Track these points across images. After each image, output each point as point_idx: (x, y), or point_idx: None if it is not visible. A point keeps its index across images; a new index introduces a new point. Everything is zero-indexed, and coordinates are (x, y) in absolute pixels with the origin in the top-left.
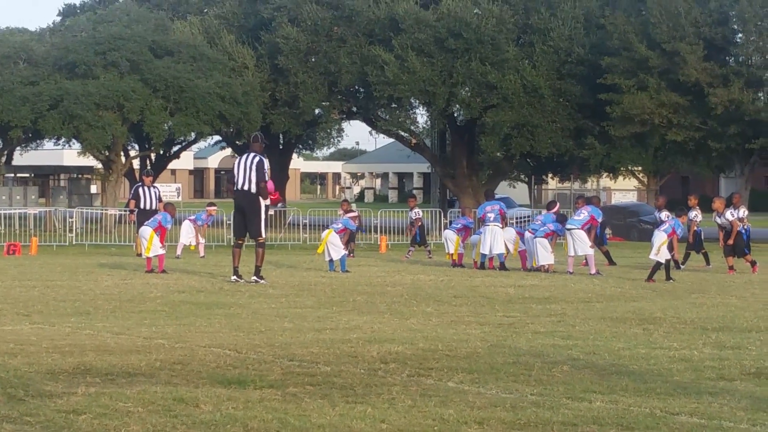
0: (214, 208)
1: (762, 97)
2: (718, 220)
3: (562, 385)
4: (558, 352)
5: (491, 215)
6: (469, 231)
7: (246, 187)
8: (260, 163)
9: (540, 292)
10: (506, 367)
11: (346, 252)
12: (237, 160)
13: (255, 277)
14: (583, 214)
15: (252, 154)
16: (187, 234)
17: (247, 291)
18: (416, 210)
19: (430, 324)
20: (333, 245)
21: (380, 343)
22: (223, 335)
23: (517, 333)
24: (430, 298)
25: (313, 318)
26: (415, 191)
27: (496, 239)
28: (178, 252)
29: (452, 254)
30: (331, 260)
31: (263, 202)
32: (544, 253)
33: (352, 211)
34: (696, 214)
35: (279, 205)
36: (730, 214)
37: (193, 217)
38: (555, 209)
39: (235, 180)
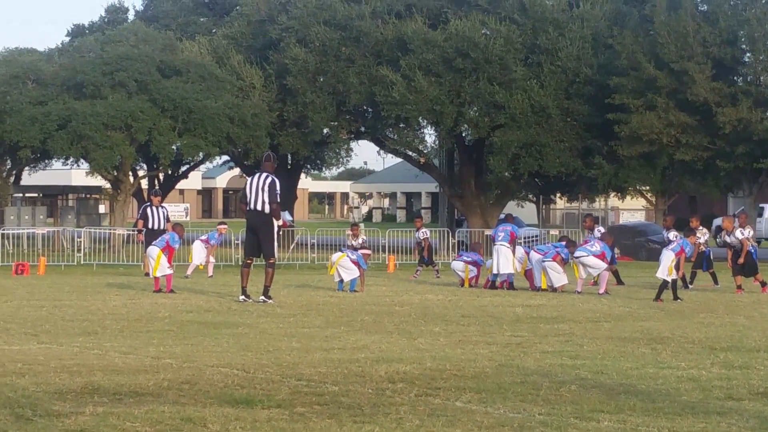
0: (225, 227)
1: None
2: (728, 239)
3: (570, 404)
4: (566, 371)
5: (501, 234)
6: (479, 268)
7: (259, 208)
8: (272, 184)
9: (548, 311)
10: (514, 386)
11: (358, 274)
12: (248, 180)
13: (263, 297)
14: (596, 247)
15: (264, 174)
16: (199, 254)
17: (255, 311)
18: (423, 230)
19: (438, 344)
20: (344, 268)
21: (388, 363)
22: (231, 355)
23: (525, 353)
24: (438, 318)
25: (321, 338)
26: (423, 211)
27: (505, 259)
28: (189, 272)
29: (464, 280)
30: (341, 280)
31: (276, 223)
32: (557, 275)
33: (366, 248)
34: (701, 235)
35: (289, 222)
36: (739, 233)
37: (204, 237)
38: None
39: (247, 200)
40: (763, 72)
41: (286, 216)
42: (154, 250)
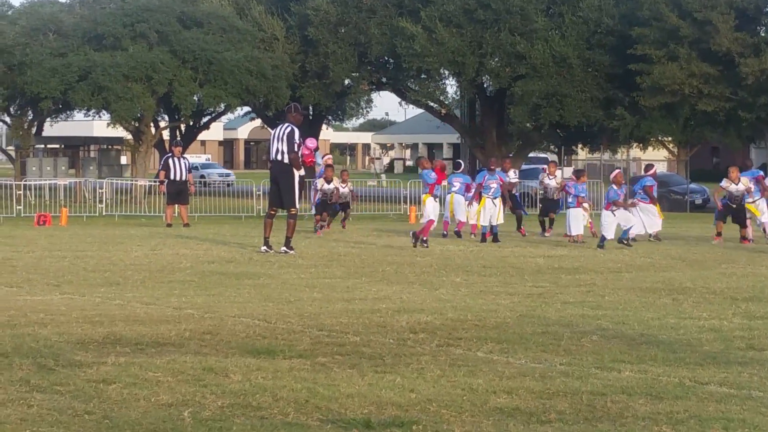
0: None
1: None
2: (732, 188)
3: (591, 354)
4: (587, 322)
5: (456, 185)
6: (470, 187)
7: (279, 158)
8: (291, 134)
9: (569, 262)
10: (535, 337)
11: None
12: (273, 132)
13: (284, 248)
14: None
15: (285, 125)
16: None
17: (277, 261)
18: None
19: (459, 294)
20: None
21: (409, 313)
22: (252, 305)
23: (546, 303)
24: (459, 269)
25: (342, 288)
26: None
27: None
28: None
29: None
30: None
31: (297, 173)
32: (576, 224)
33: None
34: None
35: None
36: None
37: None
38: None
39: (269, 151)
40: None
41: (317, 158)
42: None
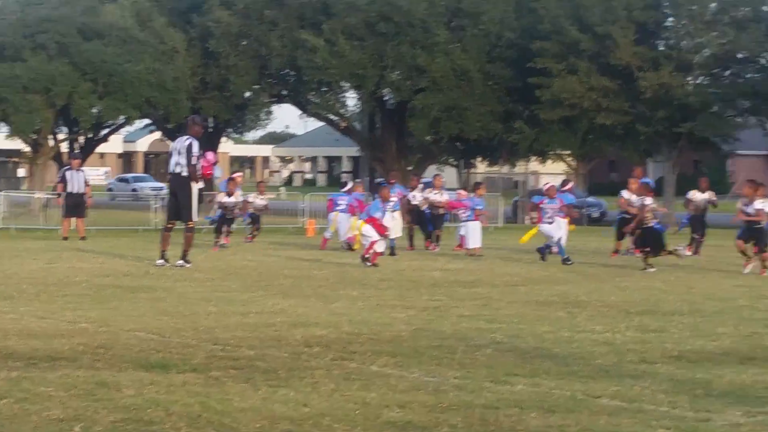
0: None
1: (691, 81)
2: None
3: (485, 368)
4: (482, 335)
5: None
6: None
7: (177, 171)
8: (190, 147)
9: (466, 275)
10: (430, 350)
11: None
12: (173, 144)
13: (181, 261)
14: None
15: (185, 138)
16: None
17: (173, 275)
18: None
19: (355, 308)
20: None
21: (305, 327)
22: (147, 319)
23: (441, 316)
24: (356, 282)
25: (238, 302)
26: (344, 175)
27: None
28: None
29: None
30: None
31: (195, 186)
32: (474, 237)
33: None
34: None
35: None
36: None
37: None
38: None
39: (168, 163)
40: (685, 36)
41: (216, 171)
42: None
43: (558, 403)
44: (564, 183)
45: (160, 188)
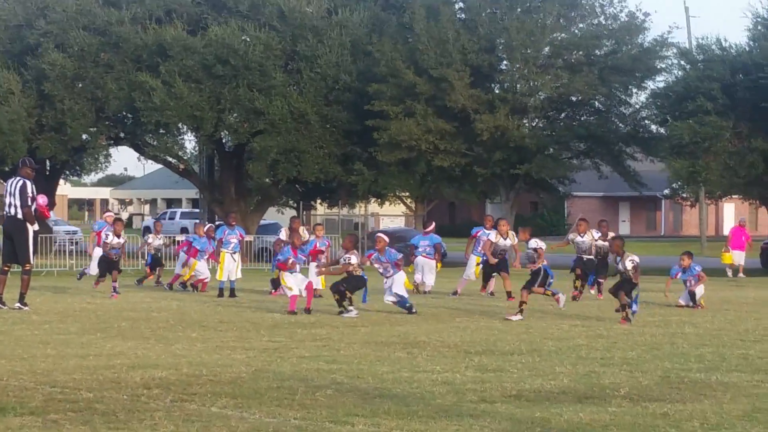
0: None
1: (527, 124)
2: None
3: (325, 409)
4: (322, 376)
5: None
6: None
7: (12, 213)
8: (23, 188)
9: (306, 317)
10: (270, 391)
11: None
12: (6, 186)
13: (18, 304)
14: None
15: (17, 179)
16: None
17: (10, 318)
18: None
19: (195, 349)
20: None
21: (144, 369)
22: None
23: (281, 358)
24: (196, 324)
25: (77, 344)
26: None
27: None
28: None
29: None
30: None
31: (31, 228)
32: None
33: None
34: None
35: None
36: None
37: None
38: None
39: (4, 206)
40: (519, 80)
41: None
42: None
43: None
44: (427, 224)
45: (74, 231)
